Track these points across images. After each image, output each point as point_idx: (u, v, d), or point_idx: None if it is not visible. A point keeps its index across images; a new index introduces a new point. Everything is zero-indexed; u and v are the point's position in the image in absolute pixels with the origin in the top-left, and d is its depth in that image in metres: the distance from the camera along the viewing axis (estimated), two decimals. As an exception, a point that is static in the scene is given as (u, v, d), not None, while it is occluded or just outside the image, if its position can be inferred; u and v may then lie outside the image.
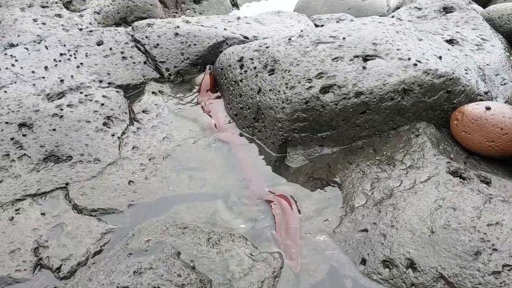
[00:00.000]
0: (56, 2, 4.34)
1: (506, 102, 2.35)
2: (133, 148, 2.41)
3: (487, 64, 2.57)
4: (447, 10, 3.07)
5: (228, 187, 2.18)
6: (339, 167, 2.11)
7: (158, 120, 2.64)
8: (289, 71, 2.26)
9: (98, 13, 4.50)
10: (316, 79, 2.19)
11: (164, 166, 2.33)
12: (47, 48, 2.98)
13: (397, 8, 3.77)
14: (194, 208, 2.09)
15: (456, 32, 2.86)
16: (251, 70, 2.42)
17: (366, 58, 2.26)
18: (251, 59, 2.47)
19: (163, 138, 2.49)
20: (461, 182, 1.83)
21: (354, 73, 2.18)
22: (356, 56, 2.27)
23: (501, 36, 2.97)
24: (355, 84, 2.14)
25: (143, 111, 2.67)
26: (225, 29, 3.22)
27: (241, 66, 2.51)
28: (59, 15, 4.14)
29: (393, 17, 3.10)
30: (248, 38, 3.16)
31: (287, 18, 3.82)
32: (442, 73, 2.20)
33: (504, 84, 2.46)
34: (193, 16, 5.60)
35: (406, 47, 2.33)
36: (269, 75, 2.32)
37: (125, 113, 2.61)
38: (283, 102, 2.18)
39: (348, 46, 2.32)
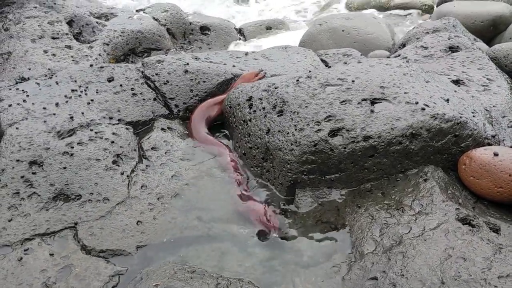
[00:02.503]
0: (67, 34, 4.42)
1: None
2: (141, 186, 2.42)
3: (493, 106, 2.59)
4: (453, 49, 3.11)
5: (237, 229, 2.18)
6: (348, 211, 2.12)
7: (167, 157, 2.65)
8: (298, 113, 2.29)
9: (107, 44, 4.57)
10: (324, 122, 2.21)
11: (173, 205, 2.34)
12: (57, 84, 3.03)
13: (403, 45, 3.80)
14: (203, 250, 2.09)
15: (462, 72, 2.89)
16: (260, 110, 2.45)
17: (374, 101, 2.29)
18: (260, 99, 2.50)
19: (172, 176, 2.50)
20: (470, 230, 1.83)
21: (362, 116, 2.20)
22: (364, 99, 2.29)
23: (507, 76, 3.00)
24: (364, 128, 2.16)
25: (152, 148, 2.69)
26: (233, 66, 3.26)
27: (250, 106, 2.54)
28: (69, 47, 4.21)
29: (399, 55, 3.14)
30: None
31: (294, 53, 3.87)
32: (450, 117, 2.22)
33: (511, 126, 2.47)
34: (200, 48, 5.70)
35: (414, 90, 2.36)
36: (278, 116, 2.35)
37: (135, 150, 2.63)
38: (292, 144, 2.20)
39: (356, 89, 2.35)
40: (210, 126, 2.86)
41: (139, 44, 5.04)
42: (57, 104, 2.82)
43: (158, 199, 2.36)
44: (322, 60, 3.92)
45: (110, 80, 3.04)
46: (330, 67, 3.54)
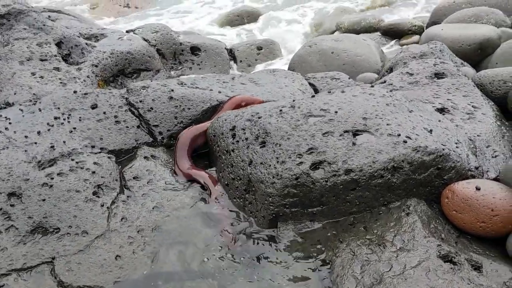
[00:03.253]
0: (55, 56, 4.41)
1: (497, 176, 2.34)
2: (122, 219, 2.39)
3: (478, 135, 2.58)
4: (438, 76, 3.11)
5: (218, 264, 2.15)
6: (330, 245, 2.09)
7: (149, 187, 2.62)
8: (280, 144, 2.26)
9: (96, 66, 4.57)
10: (306, 154, 2.19)
11: (153, 239, 2.31)
12: (41, 111, 3.00)
13: (390, 69, 3.80)
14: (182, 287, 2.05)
15: (448, 99, 2.88)
16: (243, 141, 2.43)
17: (356, 133, 2.27)
18: (243, 129, 2.48)
19: (153, 208, 2.47)
20: (451, 268, 1.80)
21: (344, 149, 2.18)
22: (346, 131, 2.28)
23: (492, 103, 3.00)
24: (345, 161, 2.14)
25: (134, 178, 2.66)
26: (219, 92, 3.24)
27: (233, 136, 2.52)
28: (58, 68, 4.20)
29: (385, 82, 3.13)
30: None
31: (281, 77, 3.87)
32: (432, 150, 2.20)
33: (495, 156, 2.46)
34: (191, 69, 5.68)
35: (396, 121, 2.34)
36: (261, 147, 2.33)
37: (116, 180, 2.60)
38: (273, 177, 2.17)
39: (339, 121, 2.33)
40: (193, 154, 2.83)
41: (128, 65, 5.03)
42: (39, 133, 2.79)
43: (138, 232, 2.33)
44: (310, 84, 3.91)
45: (93, 107, 3.01)
46: (318, 91, 3.54)
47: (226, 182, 2.48)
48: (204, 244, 2.27)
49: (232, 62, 6.09)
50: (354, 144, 2.21)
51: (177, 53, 5.73)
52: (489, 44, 4.16)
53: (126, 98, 3.10)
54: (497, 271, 1.88)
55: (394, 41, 5.94)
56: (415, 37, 5.89)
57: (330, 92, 2.59)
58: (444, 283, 1.75)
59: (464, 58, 4.18)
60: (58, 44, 4.60)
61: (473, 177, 2.30)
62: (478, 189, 2.06)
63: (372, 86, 2.66)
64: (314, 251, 2.13)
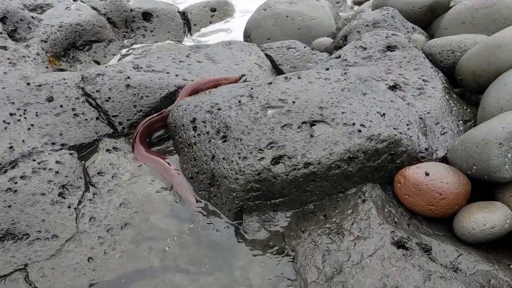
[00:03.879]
0: (0, 33, 4.23)
1: (445, 154, 2.50)
2: (90, 219, 2.44)
3: (427, 113, 2.72)
4: (390, 48, 3.20)
5: (189, 257, 2.25)
6: (293, 235, 2.22)
7: (114, 182, 2.67)
8: (241, 139, 2.34)
9: (45, 41, 4.43)
10: (267, 149, 2.28)
11: (123, 237, 2.38)
12: (-6, 106, 2.93)
13: (344, 36, 3.87)
14: (154, 284, 2.16)
15: (399, 74, 2.99)
16: (204, 134, 2.49)
17: (313, 124, 2.36)
18: (204, 122, 2.53)
19: (120, 204, 2.53)
20: (403, 255, 1.97)
21: (302, 142, 2.28)
22: (304, 122, 2.36)
23: (442, 74, 3.13)
24: (304, 154, 2.24)
25: (98, 173, 2.69)
26: (176, 75, 3.25)
27: (194, 128, 2.56)
28: (4, 47, 4.06)
29: (340, 57, 3.20)
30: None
31: (238, 51, 3.87)
32: (385, 138, 2.33)
33: (444, 133, 2.61)
34: (144, 36, 5.55)
35: (351, 108, 2.44)
36: (222, 142, 2.39)
37: (80, 178, 2.63)
38: (236, 173, 2.26)
39: (296, 112, 2.41)
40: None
41: (79, 38, 4.90)
42: (-5, 132, 2.74)
43: (107, 231, 2.39)
44: (267, 55, 3.94)
45: (49, 100, 2.97)
46: (275, 62, 3.56)
47: (190, 175, 2.55)
48: (173, 238, 2.36)
49: (185, 27, 5.96)
50: (312, 136, 2.30)
51: (128, 21, 5.58)
52: (438, 5, 4.24)
53: (82, 88, 3.06)
54: (444, 251, 2.06)
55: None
56: (367, -5, 5.92)
57: (287, 78, 2.65)
58: (397, 271, 1.92)
59: (415, 20, 4.26)
60: (2, 20, 4.40)
61: (423, 158, 2.45)
62: (427, 174, 2.21)
63: (327, 69, 2.72)
64: (279, 241, 2.26)
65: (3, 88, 3.12)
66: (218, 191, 2.37)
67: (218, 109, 2.53)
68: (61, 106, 2.93)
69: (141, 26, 5.65)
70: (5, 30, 4.31)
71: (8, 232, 2.33)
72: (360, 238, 2.08)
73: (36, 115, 2.87)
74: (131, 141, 2.82)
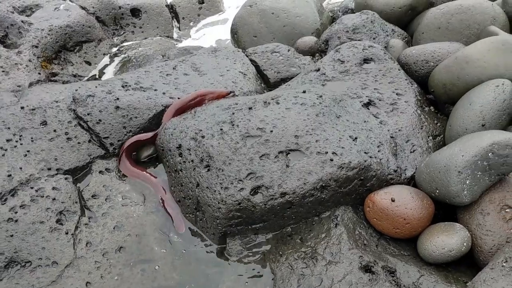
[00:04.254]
0: (-8, 40, 4.35)
1: (413, 173, 2.71)
2: (86, 244, 2.66)
3: (399, 130, 2.91)
4: (367, 61, 3.36)
5: (178, 278, 2.49)
6: (272, 258, 2.45)
7: (107, 204, 2.88)
8: (222, 170, 2.54)
9: (36, 46, 4.56)
10: (246, 180, 2.48)
11: (117, 260, 2.61)
12: (-9, 131, 3.10)
13: (326, 41, 4.02)
14: (148, 307, 2.40)
15: (375, 89, 3.16)
16: (189, 162, 2.68)
17: (289, 152, 2.55)
18: (189, 149, 2.72)
19: (114, 228, 2.74)
20: (369, 280, 2.21)
21: (279, 172, 2.48)
22: (281, 152, 2.56)
23: (415, 86, 3.30)
24: (280, 184, 2.45)
25: (92, 196, 2.90)
26: (163, 93, 3.41)
27: (180, 155, 2.76)
28: None
29: (319, 70, 3.37)
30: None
31: (223, 59, 4.03)
32: (355, 165, 2.53)
33: (414, 151, 2.81)
34: (133, 33, 5.65)
35: (325, 134, 2.64)
36: (206, 171, 2.60)
37: (76, 202, 2.84)
38: (219, 203, 2.47)
39: (273, 141, 2.60)
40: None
41: (69, 39, 5.02)
42: (-6, 159, 2.93)
43: (103, 255, 2.62)
44: (252, 61, 4.09)
45: (43, 124, 3.14)
46: (259, 68, 3.72)
47: (178, 199, 2.76)
48: (164, 260, 2.59)
49: (174, 21, 6.04)
50: (287, 166, 2.50)
51: (117, 18, 5.68)
52: (418, 3, 4.36)
53: (74, 111, 3.23)
54: (408, 272, 2.30)
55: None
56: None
57: (266, 103, 2.82)
58: (363, 297, 2.16)
59: (396, 20, 4.39)
60: (-7, 26, 4.50)
61: (392, 179, 2.66)
62: (393, 200, 2.43)
63: (304, 92, 2.89)
64: (259, 263, 2.49)
65: (-1, 112, 3.29)
66: (203, 216, 2.59)
67: (202, 137, 2.72)
68: (54, 130, 3.11)
69: (130, 22, 5.74)
70: (-4, 36, 4.41)
71: (12, 260, 2.55)
72: (332, 263, 2.31)
73: (32, 141, 3.05)
74: (118, 156, 3.01)
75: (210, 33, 5.76)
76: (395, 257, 2.38)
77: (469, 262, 2.40)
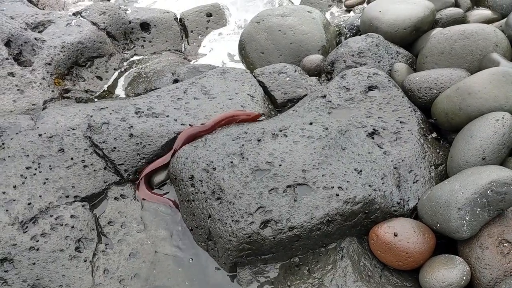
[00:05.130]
0: (7, 58, 4.50)
1: (416, 204, 2.84)
2: (104, 271, 2.81)
3: (402, 160, 3.03)
4: (371, 88, 3.48)
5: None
6: (281, 288, 2.59)
7: (123, 231, 3.02)
8: (233, 203, 2.68)
9: (49, 64, 4.70)
10: (256, 214, 2.62)
11: (133, 287, 2.76)
12: (10, 158, 3.25)
13: (332, 63, 4.13)
14: (163, 334, 2.55)
15: (379, 117, 3.29)
16: (201, 193, 2.82)
17: (296, 187, 2.69)
18: (201, 181, 2.86)
19: (129, 255, 2.89)
20: (372, 314, 2.34)
21: (287, 206, 2.62)
22: (289, 186, 2.69)
23: (419, 113, 3.41)
24: (288, 218, 2.59)
25: (108, 223, 3.05)
26: (175, 119, 3.55)
27: (192, 185, 2.90)
28: (12, 74, 4.34)
29: (325, 96, 3.49)
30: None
31: (232, 81, 4.15)
32: (360, 199, 2.66)
33: (416, 181, 2.94)
34: (143, 47, 5.77)
35: (331, 168, 2.77)
36: (217, 204, 2.73)
37: (93, 229, 2.99)
38: (230, 235, 2.61)
39: (282, 175, 2.73)
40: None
41: (81, 55, 5.15)
42: (15, 187, 3.09)
43: (120, 282, 2.77)
44: (259, 82, 4.21)
45: (61, 151, 3.28)
46: (267, 89, 3.85)
47: (190, 228, 2.90)
48: (177, 285, 2.74)
49: (183, 35, 6.16)
50: (295, 200, 2.64)
51: (127, 32, 5.80)
52: (422, 23, 4.47)
53: (90, 138, 3.37)
54: (409, 304, 2.44)
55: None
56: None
57: (274, 135, 2.95)
58: (366, 330, 2.30)
59: (400, 40, 4.50)
60: (7, 44, 4.65)
61: (396, 212, 2.79)
62: (395, 235, 2.56)
63: (311, 124, 3.02)
64: (269, 292, 2.64)
65: (18, 139, 3.43)
66: (215, 246, 2.73)
67: (213, 169, 2.85)
68: (71, 158, 3.25)
69: (140, 36, 5.87)
70: (10, 54, 4.57)
71: (34, 287, 2.70)
72: (337, 295, 2.45)
73: (50, 169, 3.20)
74: (137, 183, 3.22)
75: (218, 47, 5.88)
76: (398, 287, 2.51)
77: (468, 293, 2.53)
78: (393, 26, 4.49)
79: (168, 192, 3.26)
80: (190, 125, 3.50)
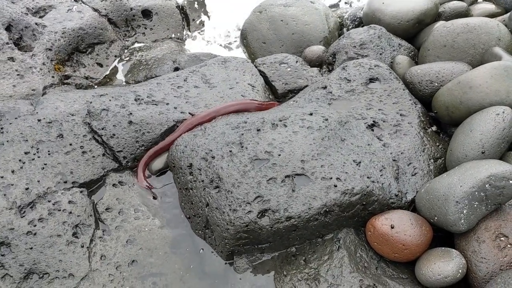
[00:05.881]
0: (7, 43, 4.49)
1: (414, 197, 2.84)
2: (101, 257, 2.82)
3: (401, 153, 3.03)
4: (372, 80, 3.46)
5: (188, 292, 2.65)
6: (277, 277, 2.60)
7: (120, 217, 3.02)
8: (231, 192, 2.67)
9: (50, 49, 4.68)
10: (254, 203, 2.62)
11: (130, 273, 2.76)
12: (9, 143, 3.25)
13: (333, 54, 4.11)
14: (159, 321, 2.56)
15: (379, 110, 3.28)
16: (199, 182, 2.82)
17: (295, 177, 2.68)
18: (199, 169, 2.85)
19: (127, 241, 2.89)
20: (368, 305, 2.35)
21: (285, 196, 2.62)
22: (287, 176, 2.69)
23: (419, 106, 3.40)
24: (286, 208, 2.59)
25: (106, 209, 3.05)
26: (175, 107, 3.54)
27: (191, 173, 2.89)
28: (12, 59, 4.32)
29: (325, 87, 3.48)
30: (194, 115, 3.50)
31: (233, 70, 4.14)
32: (358, 191, 2.66)
33: (415, 174, 2.93)
34: (144, 34, 5.74)
35: (329, 159, 2.76)
36: (216, 192, 2.73)
37: (91, 215, 2.99)
38: (227, 224, 2.61)
39: (281, 165, 2.73)
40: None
41: (81, 42, 5.12)
42: (13, 171, 3.08)
43: (116, 268, 2.77)
44: (261, 72, 4.20)
45: (59, 137, 3.27)
46: (268, 79, 3.85)
47: (188, 216, 2.90)
48: (174, 273, 2.74)
49: (184, 22, 6.13)
50: (293, 190, 2.64)
51: (129, 20, 5.77)
52: (425, 16, 4.45)
53: (89, 124, 3.36)
54: (404, 296, 2.44)
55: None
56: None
57: (274, 124, 2.95)
58: (361, 321, 2.31)
59: (403, 32, 4.48)
60: (8, 28, 4.63)
61: (393, 204, 2.79)
62: (392, 227, 2.56)
63: (311, 114, 3.02)
64: (265, 280, 2.64)
65: (17, 124, 3.42)
66: (212, 234, 2.73)
67: (212, 157, 2.85)
68: (70, 144, 3.24)
69: (141, 24, 5.84)
70: (11, 39, 4.55)
71: (31, 271, 2.71)
72: (333, 285, 2.46)
73: (49, 154, 3.19)
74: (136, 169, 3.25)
75: (220, 35, 5.85)
76: (393, 280, 2.51)
77: (464, 286, 2.53)
78: (396, 18, 4.46)
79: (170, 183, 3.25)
80: (189, 113, 3.48)
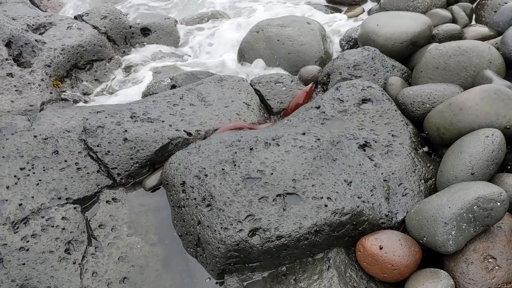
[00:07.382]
0: (7, 59, 4.54)
1: (404, 217, 2.86)
2: (92, 273, 2.83)
3: (392, 173, 3.06)
4: (365, 101, 3.51)
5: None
6: (267, 297, 2.61)
7: (113, 234, 3.04)
8: (223, 210, 2.70)
9: (48, 66, 4.74)
10: (245, 221, 2.65)
11: (121, 291, 2.77)
12: (5, 159, 3.28)
13: (328, 75, 4.17)
14: (148, 339, 2.57)
15: (371, 130, 3.32)
16: (192, 200, 2.85)
17: (286, 196, 2.71)
18: (192, 187, 2.88)
19: (119, 258, 2.91)
20: (356, 325, 2.36)
21: (276, 215, 2.64)
22: (279, 195, 2.72)
23: (411, 127, 3.45)
24: (277, 227, 2.61)
25: (99, 226, 3.07)
26: (170, 125, 3.58)
27: (184, 191, 2.92)
28: (11, 74, 4.37)
29: (319, 107, 3.53)
30: (191, 135, 3.54)
31: (229, 89, 4.19)
32: (348, 211, 2.69)
33: (405, 194, 2.97)
34: (140, 51, 5.80)
35: (321, 179, 2.80)
36: (207, 210, 2.76)
37: (83, 232, 3.01)
38: (218, 242, 2.64)
39: (272, 184, 2.76)
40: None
41: (80, 58, 5.19)
42: (8, 187, 3.11)
43: (107, 285, 2.79)
44: (256, 90, 4.25)
45: (55, 153, 3.31)
46: (263, 97, 3.90)
47: (180, 233, 2.92)
48: (164, 292, 2.76)
49: (181, 39, 6.20)
50: (284, 209, 2.66)
51: (127, 37, 5.85)
52: (418, 38, 4.52)
53: (84, 141, 3.40)
54: (393, 316, 2.46)
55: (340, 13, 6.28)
56: (359, 9, 6.22)
57: (267, 144, 2.99)
58: None
59: (396, 54, 4.55)
60: (8, 45, 4.69)
61: (383, 224, 2.81)
62: (381, 248, 2.58)
63: (304, 134, 3.06)
64: (255, 299, 2.65)
65: (11, 125, 3.46)
66: (203, 252, 2.75)
67: (205, 176, 2.88)
68: (65, 161, 3.28)
69: (140, 41, 5.93)
70: (10, 55, 4.61)
71: (23, 287, 2.72)
72: (322, 306, 2.47)
73: (44, 170, 3.22)
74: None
75: (217, 50, 5.92)
76: (382, 300, 2.53)
77: (452, 308, 2.55)
78: (390, 40, 4.54)
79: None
80: (184, 131, 3.52)
